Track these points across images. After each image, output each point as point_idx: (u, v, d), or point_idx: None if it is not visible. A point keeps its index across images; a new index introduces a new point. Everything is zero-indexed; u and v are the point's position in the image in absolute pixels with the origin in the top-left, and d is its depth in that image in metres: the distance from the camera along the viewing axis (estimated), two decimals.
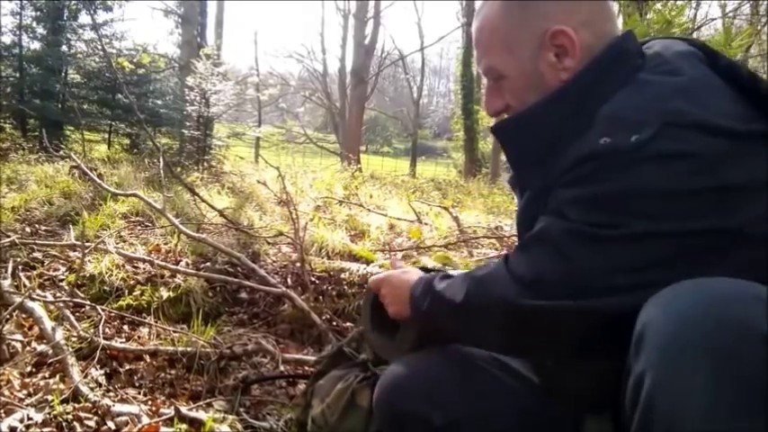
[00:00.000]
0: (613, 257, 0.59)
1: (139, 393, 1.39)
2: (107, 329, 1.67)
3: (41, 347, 1.49)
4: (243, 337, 1.78)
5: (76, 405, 1.25)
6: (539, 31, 0.72)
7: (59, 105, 7.60)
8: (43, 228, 2.74)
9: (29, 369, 1.41)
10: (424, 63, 21.84)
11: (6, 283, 1.83)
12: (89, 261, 2.08)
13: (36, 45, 8.00)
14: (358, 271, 2.30)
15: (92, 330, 1.60)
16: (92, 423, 1.21)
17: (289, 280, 2.30)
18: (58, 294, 1.89)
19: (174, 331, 1.70)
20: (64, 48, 7.92)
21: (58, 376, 1.37)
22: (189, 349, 1.56)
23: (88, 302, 1.82)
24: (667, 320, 0.51)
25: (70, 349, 1.47)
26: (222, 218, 2.99)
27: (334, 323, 1.97)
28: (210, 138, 7.29)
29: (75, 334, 1.57)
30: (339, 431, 1.00)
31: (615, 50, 0.70)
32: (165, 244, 2.48)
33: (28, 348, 1.51)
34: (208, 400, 1.39)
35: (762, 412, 0.45)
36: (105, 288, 1.96)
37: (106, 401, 1.27)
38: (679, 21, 2.48)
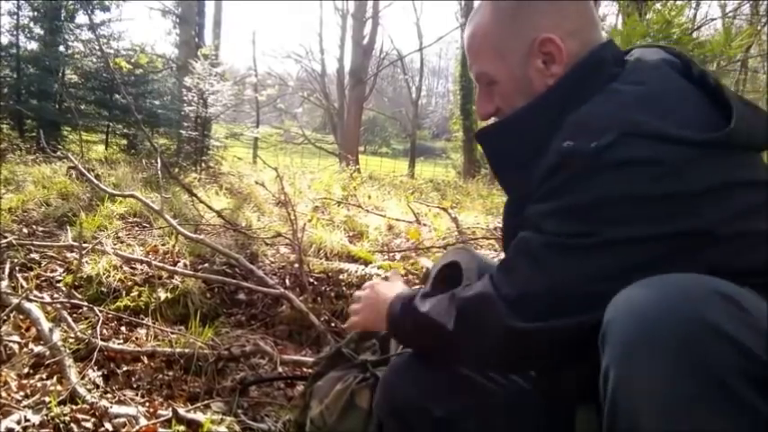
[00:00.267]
0: (590, 266, 0.61)
1: (137, 395, 1.39)
2: (104, 331, 1.67)
3: (39, 349, 1.49)
4: (241, 339, 1.78)
5: (74, 406, 1.25)
6: (528, 38, 0.76)
7: (57, 106, 7.58)
8: (40, 229, 2.74)
9: (26, 370, 1.41)
10: (422, 63, 21.86)
11: (3, 284, 1.82)
12: (86, 262, 2.07)
13: (33, 45, 8.00)
14: (356, 272, 2.30)
15: (89, 332, 1.60)
16: (89, 425, 1.21)
17: (287, 281, 2.30)
18: (56, 295, 1.89)
19: (172, 332, 1.70)
20: (61, 48, 7.91)
21: (55, 378, 1.37)
22: (187, 350, 1.56)
23: (86, 304, 1.81)
24: (628, 317, 0.52)
25: (67, 350, 1.47)
26: (220, 219, 2.98)
27: (333, 324, 1.97)
28: (208, 138, 7.28)
29: (72, 335, 1.57)
30: None
31: (593, 59, 0.74)
32: (163, 245, 2.48)
33: (25, 350, 1.51)
34: (206, 402, 1.39)
35: (719, 405, 0.46)
36: (103, 289, 1.96)
37: (104, 403, 1.26)
38: (679, 21, 2.49)
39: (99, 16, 8.23)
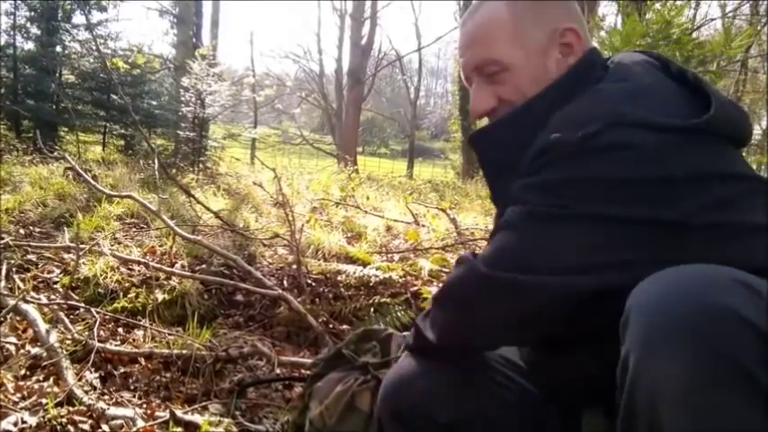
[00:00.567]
0: (562, 236, 0.63)
1: (134, 396, 1.39)
2: (102, 332, 1.67)
3: (36, 350, 1.49)
4: (239, 340, 1.78)
5: (71, 408, 1.24)
6: (549, 27, 0.76)
7: (54, 106, 7.56)
8: (37, 230, 2.73)
9: (23, 372, 1.41)
10: (421, 64, 21.76)
11: (0, 285, 1.82)
12: (83, 263, 2.07)
13: (30, 45, 7.97)
14: (355, 273, 2.29)
15: (86, 333, 1.60)
16: (86, 426, 1.20)
17: (285, 282, 2.30)
18: (53, 297, 1.88)
19: (170, 334, 1.69)
20: (58, 48, 7.88)
21: (52, 379, 1.37)
22: (184, 352, 1.55)
23: (83, 305, 1.81)
24: (650, 303, 0.53)
25: (64, 352, 1.46)
26: (218, 220, 2.98)
27: (331, 326, 1.97)
28: (206, 139, 7.27)
29: (69, 337, 1.56)
30: None
31: (589, 59, 0.76)
32: (161, 246, 2.47)
33: (22, 351, 1.50)
34: (203, 404, 1.39)
35: (740, 391, 0.46)
36: (100, 290, 1.95)
37: (101, 405, 1.26)
38: (678, 21, 2.49)
39: (96, 16, 8.22)
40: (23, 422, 1.16)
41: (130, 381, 1.46)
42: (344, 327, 1.97)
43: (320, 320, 1.95)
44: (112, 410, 1.25)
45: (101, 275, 2.00)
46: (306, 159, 15.35)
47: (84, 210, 3.03)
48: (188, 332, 1.68)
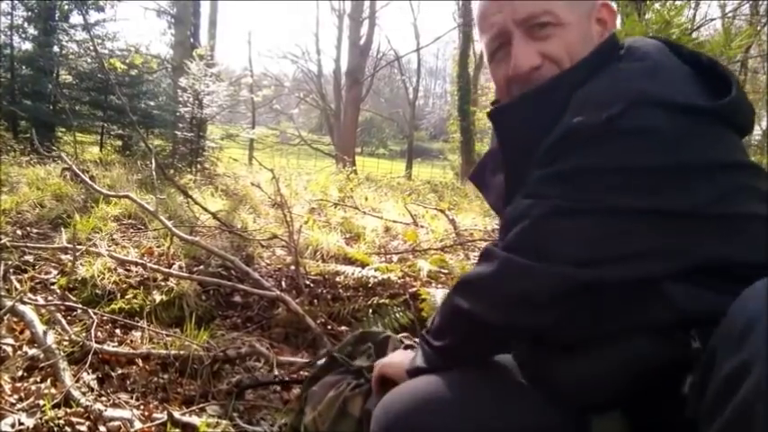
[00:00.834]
0: (581, 228, 0.63)
1: (132, 398, 1.38)
2: (99, 333, 1.66)
3: (33, 351, 1.48)
4: (236, 341, 1.77)
5: (68, 410, 1.24)
6: None
7: (51, 106, 7.54)
8: (35, 230, 2.72)
9: (20, 373, 1.40)
10: (419, 64, 21.77)
11: None
12: (81, 264, 2.06)
13: (27, 46, 7.95)
14: (353, 274, 2.29)
15: (84, 334, 1.59)
16: (84, 428, 1.20)
17: (283, 283, 2.30)
18: (50, 298, 1.87)
19: (167, 335, 1.69)
20: (55, 48, 7.86)
21: (49, 381, 1.36)
22: (182, 352, 1.55)
23: (80, 306, 1.80)
24: None
25: (62, 353, 1.46)
26: (215, 220, 2.97)
27: (329, 327, 1.97)
28: (204, 139, 7.26)
29: (66, 338, 1.56)
30: None
31: (614, 40, 0.75)
32: (158, 247, 2.47)
33: (19, 352, 1.50)
34: (201, 405, 1.38)
35: None
36: (97, 291, 1.95)
37: (98, 406, 1.26)
38: (678, 21, 2.48)
39: (93, 16, 8.21)
40: (20, 424, 1.16)
41: (128, 382, 1.45)
42: (343, 328, 1.97)
43: (318, 322, 1.95)
44: (110, 412, 1.25)
45: (98, 276, 1.99)
46: (304, 160, 15.34)
47: (81, 210, 3.02)
48: (186, 333, 1.68)
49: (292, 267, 2.36)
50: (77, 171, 3.00)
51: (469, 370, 0.77)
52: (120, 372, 1.49)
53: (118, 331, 1.75)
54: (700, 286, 0.61)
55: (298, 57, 22.45)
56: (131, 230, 2.81)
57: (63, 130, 7.66)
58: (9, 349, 1.50)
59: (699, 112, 0.62)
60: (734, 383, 0.50)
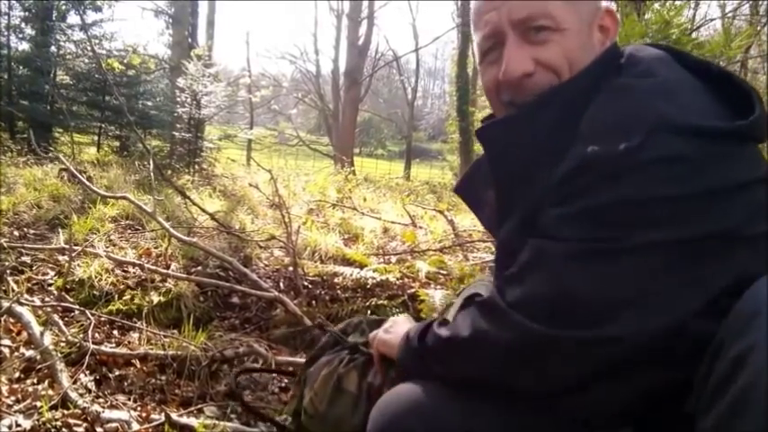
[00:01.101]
0: (616, 272, 0.56)
1: (129, 399, 1.38)
2: (96, 334, 1.66)
3: (30, 353, 1.48)
4: (234, 342, 1.77)
5: (65, 411, 1.24)
6: (595, 4, 0.71)
7: (48, 107, 7.53)
8: (32, 231, 2.71)
9: (17, 375, 1.40)
10: (418, 64, 21.78)
11: None
12: (78, 265, 2.06)
13: (25, 46, 7.95)
14: (351, 275, 2.29)
15: (81, 335, 1.59)
16: (81, 430, 1.20)
17: (281, 284, 2.30)
18: (47, 299, 1.87)
19: (165, 336, 1.69)
20: (53, 49, 7.85)
21: (46, 382, 1.36)
22: (180, 353, 1.55)
23: (77, 307, 1.80)
24: None
25: (59, 354, 1.45)
26: (213, 221, 2.97)
27: (328, 328, 1.97)
28: (201, 140, 7.26)
29: (63, 339, 1.55)
30: (329, 419, 0.93)
31: (616, 51, 0.69)
32: (156, 248, 2.46)
33: (16, 354, 1.49)
34: (199, 406, 1.38)
35: None
36: (95, 292, 1.94)
37: (96, 408, 1.25)
38: (678, 21, 2.48)
39: (91, 16, 8.19)
40: (18, 425, 1.15)
41: (125, 383, 1.45)
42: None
43: (317, 323, 1.94)
44: (107, 413, 1.25)
45: (95, 277, 1.99)
46: (302, 160, 15.33)
47: (78, 211, 3.01)
48: (183, 334, 1.67)
49: (290, 268, 2.36)
50: (75, 172, 2.99)
51: None
52: (117, 373, 1.48)
53: (115, 332, 1.75)
54: (723, 313, 0.56)
55: (296, 57, 22.47)
56: (129, 231, 2.80)
57: (60, 130, 7.64)
58: (6, 350, 1.50)
59: (720, 134, 0.58)
60: (734, 372, 0.49)
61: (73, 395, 1.29)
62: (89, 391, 1.37)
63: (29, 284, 1.96)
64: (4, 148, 5.97)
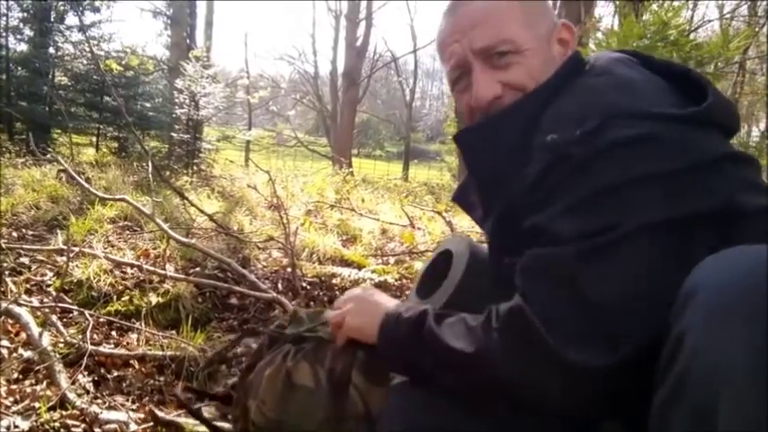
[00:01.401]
0: (625, 264, 0.56)
1: (128, 400, 1.38)
2: (95, 335, 1.66)
3: (28, 354, 1.48)
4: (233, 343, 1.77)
5: (64, 412, 1.24)
6: (551, 19, 0.77)
7: (46, 108, 7.51)
8: (30, 232, 2.71)
9: (15, 376, 1.40)
10: (416, 65, 21.75)
11: None
12: (77, 266, 2.06)
13: (23, 47, 7.92)
14: (349, 276, 2.30)
15: (79, 336, 1.59)
16: (79, 430, 1.20)
17: (279, 285, 2.30)
18: (45, 300, 1.87)
19: (164, 337, 1.69)
20: (51, 50, 7.83)
21: (44, 383, 1.36)
22: (177, 354, 1.55)
23: (75, 308, 1.80)
24: (718, 281, 0.48)
25: (57, 355, 1.45)
26: (212, 222, 2.97)
27: None
28: (200, 141, 7.24)
29: (62, 340, 1.55)
30: (285, 423, 0.81)
31: (578, 59, 0.74)
32: (154, 249, 2.47)
33: (14, 355, 1.49)
34: (197, 407, 1.38)
35: None
36: (93, 293, 1.94)
37: (94, 409, 1.26)
38: (676, 22, 2.49)
39: (89, 17, 8.16)
40: (16, 426, 1.16)
41: (124, 384, 1.45)
42: None
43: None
44: (106, 414, 1.25)
45: (94, 278, 1.99)
46: (300, 161, 15.30)
47: (77, 212, 3.01)
48: (182, 335, 1.68)
49: (289, 269, 2.36)
50: (73, 173, 2.99)
51: None
52: (115, 374, 1.48)
53: (114, 333, 1.75)
54: None
55: (294, 58, 22.45)
56: (127, 232, 2.80)
57: (59, 131, 7.62)
58: (4, 351, 1.50)
59: (674, 119, 0.60)
60: (674, 354, 0.49)
61: (71, 396, 1.29)
62: (87, 391, 1.37)
63: (27, 285, 1.96)
64: (3, 149, 5.97)
